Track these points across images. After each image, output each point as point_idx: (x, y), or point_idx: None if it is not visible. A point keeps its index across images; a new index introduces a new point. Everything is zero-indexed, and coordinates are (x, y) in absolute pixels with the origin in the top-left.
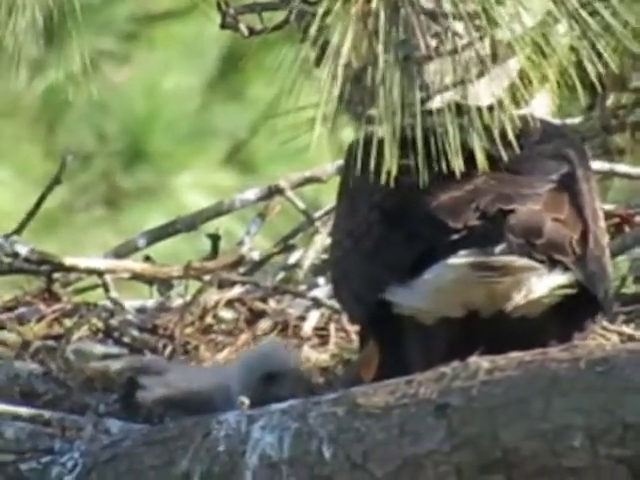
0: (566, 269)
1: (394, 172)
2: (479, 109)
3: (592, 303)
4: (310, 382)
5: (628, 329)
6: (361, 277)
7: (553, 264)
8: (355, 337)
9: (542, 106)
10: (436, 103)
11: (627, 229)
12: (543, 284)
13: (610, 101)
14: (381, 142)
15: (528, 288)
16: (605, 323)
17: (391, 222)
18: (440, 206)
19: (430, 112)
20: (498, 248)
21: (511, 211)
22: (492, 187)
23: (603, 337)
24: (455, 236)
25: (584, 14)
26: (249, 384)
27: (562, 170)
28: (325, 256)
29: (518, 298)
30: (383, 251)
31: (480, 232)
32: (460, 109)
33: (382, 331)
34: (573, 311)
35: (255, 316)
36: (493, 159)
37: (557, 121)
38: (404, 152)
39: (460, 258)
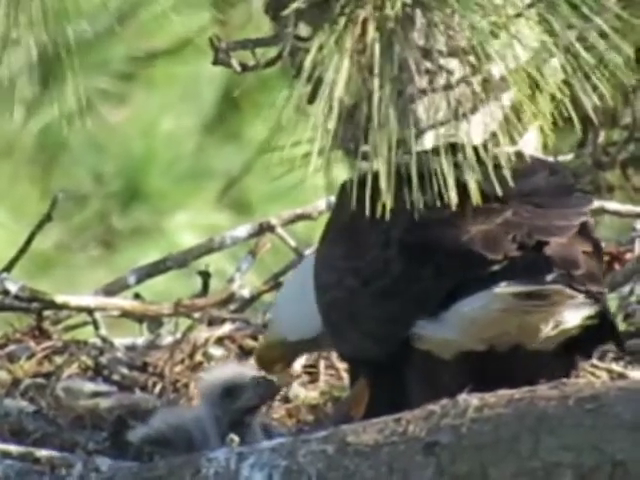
0: (596, 300)
1: (389, 206)
2: (474, 147)
3: (605, 335)
4: (273, 386)
5: (617, 367)
6: (380, 315)
7: (588, 295)
8: (345, 375)
9: (531, 142)
10: (429, 140)
11: (617, 266)
12: (577, 314)
13: (601, 138)
14: (376, 178)
15: (563, 318)
16: (594, 361)
17: (415, 257)
18: (474, 239)
19: (425, 151)
20: (549, 277)
21: (546, 243)
22: (525, 220)
23: (592, 374)
24: (495, 267)
25: (579, 47)
26: (214, 406)
27: (586, 203)
28: None
29: (552, 328)
30: (408, 286)
31: (522, 263)
32: (454, 148)
33: (386, 369)
34: (584, 343)
35: (245, 353)
36: (512, 193)
37: (549, 158)
38: (401, 188)
39: (509, 287)
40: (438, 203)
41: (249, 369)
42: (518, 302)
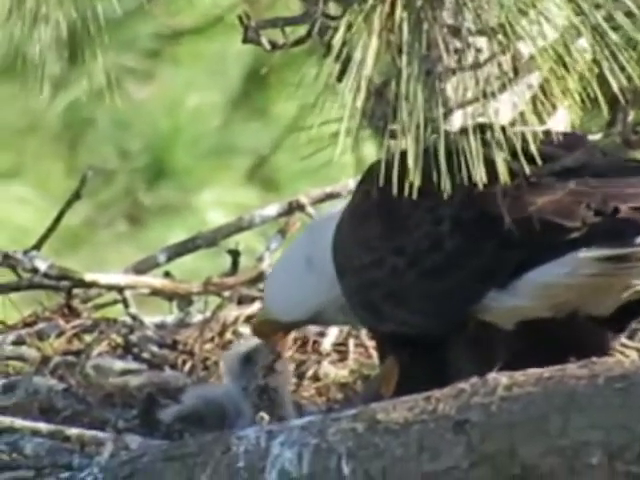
0: None
1: (417, 185)
2: (502, 128)
3: None
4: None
5: None
6: (435, 291)
7: None
8: (374, 353)
9: (560, 121)
10: (458, 120)
11: None
12: None
13: (630, 117)
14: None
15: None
16: (624, 339)
17: (475, 232)
18: (543, 209)
19: (454, 132)
20: (638, 239)
21: (617, 209)
22: (595, 188)
23: (622, 354)
24: (574, 234)
25: (606, 27)
26: (238, 377)
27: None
28: None
29: (626, 291)
30: (468, 261)
31: (604, 228)
32: (483, 128)
33: (426, 345)
34: (625, 316)
35: None
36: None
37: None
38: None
39: (598, 251)
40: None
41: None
42: (605, 266)
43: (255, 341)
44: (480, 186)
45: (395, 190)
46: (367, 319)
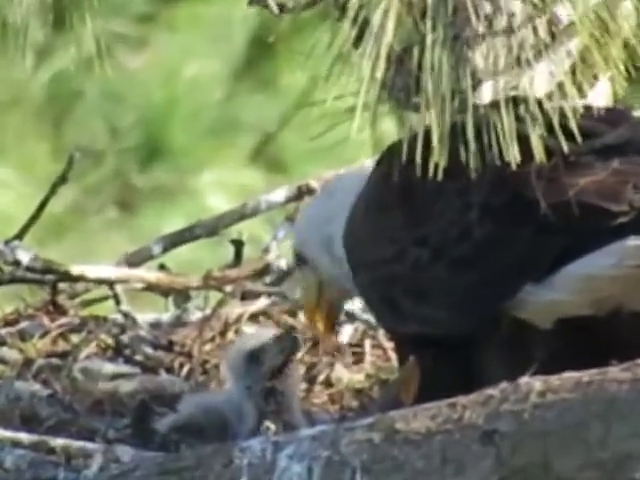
0: None
1: (442, 166)
2: (538, 101)
3: None
4: (295, 340)
5: None
6: (464, 285)
7: None
8: (393, 355)
9: (602, 95)
10: (488, 92)
11: None
12: None
13: None
14: (428, 135)
15: None
16: None
17: (508, 218)
18: (585, 191)
19: (483, 105)
20: None
21: None
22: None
23: None
24: (620, 219)
25: None
26: (242, 377)
27: None
28: None
29: None
30: (502, 251)
31: None
32: (516, 102)
33: (451, 347)
34: None
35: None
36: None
37: None
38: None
39: None
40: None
41: (270, 330)
42: None
43: (263, 337)
44: (513, 166)
45: (418, 172)
46: (385, 318)
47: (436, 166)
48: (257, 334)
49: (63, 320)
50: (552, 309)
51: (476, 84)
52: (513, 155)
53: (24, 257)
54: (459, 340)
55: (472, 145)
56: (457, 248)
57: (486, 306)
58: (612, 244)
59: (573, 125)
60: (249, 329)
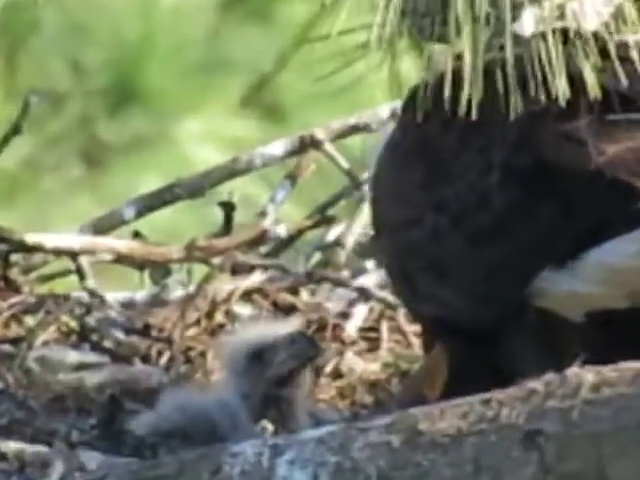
0: None
1: (474, 108)
2: (594, 34)
3: None
4: (314, 344)
5: None
6: (483, 264)
7: None
8: (415, 340)
9: None
10: (530, 23)
11: None
12: None
13: None
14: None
15: None
16: None
17: (529, 187)
18: (616, 160)
19: (525, 35)
20: None
21: None
22: None
23: None
24: None
25: None
26: (240, 378)
27: None
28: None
29: None
30: (521, 226)
31: None
32: (566, 34)
33: (483, 334)
34: None
35: (281, 312)
36: None
37: None
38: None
39: None
40: (546, 108)
41: (283, 325)
42: None
43: (272, 334)
44: (542, 120)
45: (441, 121)
46: (403, 295)
47: (468, 104)
48: (264, 328)
49: (16, 299)
50: (577, 301)
51: (516, 8)
52: (562, 93)
53: None
54: (484, 330)
55: (512, 83)
56: (475, 218)
57: (505, 292)
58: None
59: (637, 60)
60: (241, 310)
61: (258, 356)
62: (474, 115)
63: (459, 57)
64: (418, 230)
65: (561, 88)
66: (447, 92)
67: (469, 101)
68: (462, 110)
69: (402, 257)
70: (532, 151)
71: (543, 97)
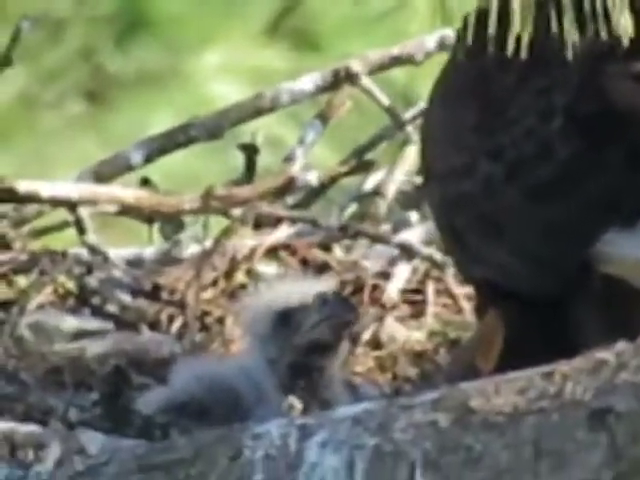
0: None
1: (525, 41)
2: None
3: None
4: (350, 307)
5: None
6: (542, 224)
7: None
8: (466, 305)
9: None
10: None
11: None
12: None
13: None
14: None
15: None
16: None
17: (594, 136)
18: None
19: None
20: None
21: None
22: None
23: None
24: None
25: None
26: (265, 344)
27: None
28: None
29: None
30: (585, 181)
31: None
32: None
33: (542, 301)
34: None
35: (312, 272)
36: None
37: None
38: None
39: None
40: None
41: (313, 285)
42: None
43: (301, 292)
44: (611, 61)
45: (498, 55)
46: (453, 254)
47: (517, 42)
48: (291, 287)
49: (6, 256)
50: None
51: None
52: (624, 29)
53: None
54: (543, 296)
55: (569, 15)
56: (534, 169)
57: (567, 254)
58: None
59: None
60: (265, 268)
61: (285, 319)
62: (523, 54)
63: None
64: (469, 180)
65: (624, 24)
66: (491, 28)
67: (518, 39)
68: (510, 48)
69: (451, 210)
70: (597, 95)
71: (604, 34)
